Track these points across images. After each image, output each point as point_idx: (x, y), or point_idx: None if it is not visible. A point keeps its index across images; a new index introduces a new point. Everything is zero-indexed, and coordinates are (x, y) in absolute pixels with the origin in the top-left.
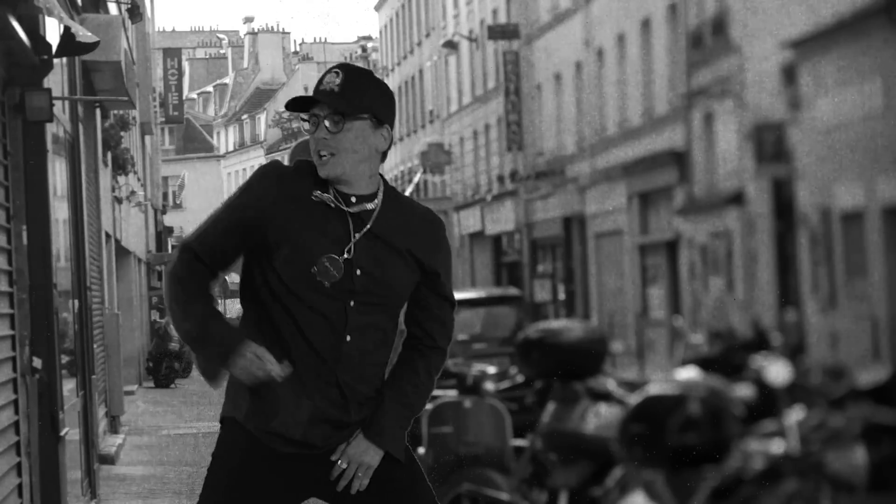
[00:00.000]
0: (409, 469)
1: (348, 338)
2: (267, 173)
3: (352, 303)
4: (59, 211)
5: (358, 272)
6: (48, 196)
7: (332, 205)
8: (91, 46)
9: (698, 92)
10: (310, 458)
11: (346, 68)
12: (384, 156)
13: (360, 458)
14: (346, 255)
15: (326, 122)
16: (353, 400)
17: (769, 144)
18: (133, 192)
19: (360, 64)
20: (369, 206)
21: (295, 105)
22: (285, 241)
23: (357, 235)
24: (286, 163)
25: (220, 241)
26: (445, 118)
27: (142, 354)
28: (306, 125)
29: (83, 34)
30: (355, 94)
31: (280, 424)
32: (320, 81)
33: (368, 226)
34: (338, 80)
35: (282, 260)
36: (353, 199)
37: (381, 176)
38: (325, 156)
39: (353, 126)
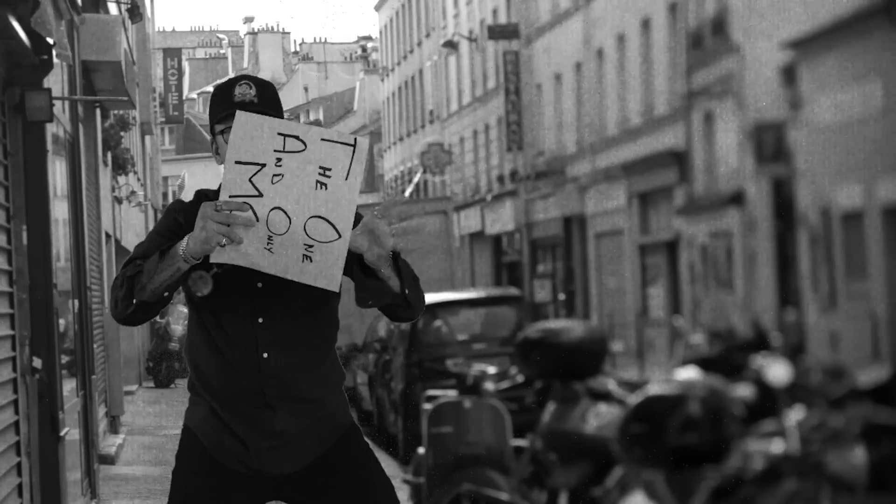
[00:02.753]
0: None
1: (265, 355)
2: (173, 207)
3: (259, 319)
4: (59, 211)
5: (259, 285)
6: (48, 196)
7: None
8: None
9: (698, 92)
10: (263, 479)
11: (255, 80)
12: None
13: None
14: (215, 270)
15: None
16: (289, 413)
17: (769, 144)
18: (133, 192)
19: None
20: None
21: (215, 116)
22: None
23: None
24: None
25: (153, 241)
26: (445, 118)
27: (142, 354)
28: (226, 135)
29: (60, 51)
30: (273, 103)
31: (219, 453)
32: (230, 93)
33: None
34: (252, 92)
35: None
36: None
37: None
38: None
39: None
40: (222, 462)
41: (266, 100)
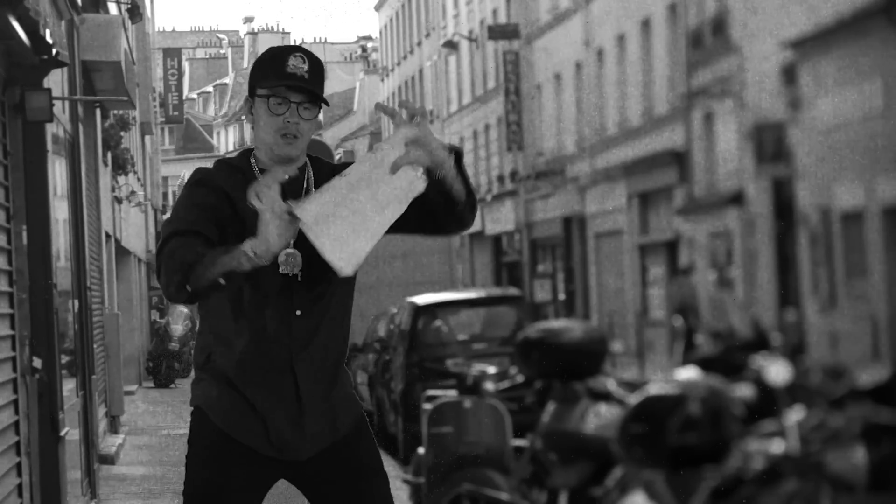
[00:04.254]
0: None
1: (298, 312)
2: (201, 179)
3: (298, 277)
4: (59, 211)
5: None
6: (48, 196)
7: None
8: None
9: (698, 92)
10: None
11: (307, 53)
12: None
13: (428, 139)
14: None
15: (301, 109)
16: (312, 379)
17: (769, 144)
18: (133, 192)
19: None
20: (304, 179)
21: (263, 80)
22: (240, 225)
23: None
24: None
25: (199, 216)
26: (445, 118)
27: (142, 354)
28: (273, 105)
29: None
30: (321, 82)
31: (236, 430)
32: (283, 62)
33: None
34: (305, 67)
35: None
36: (287, 177)
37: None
38: (289, 137)
39: (316, 112)
40: (238, 439)
41: (315, 77)
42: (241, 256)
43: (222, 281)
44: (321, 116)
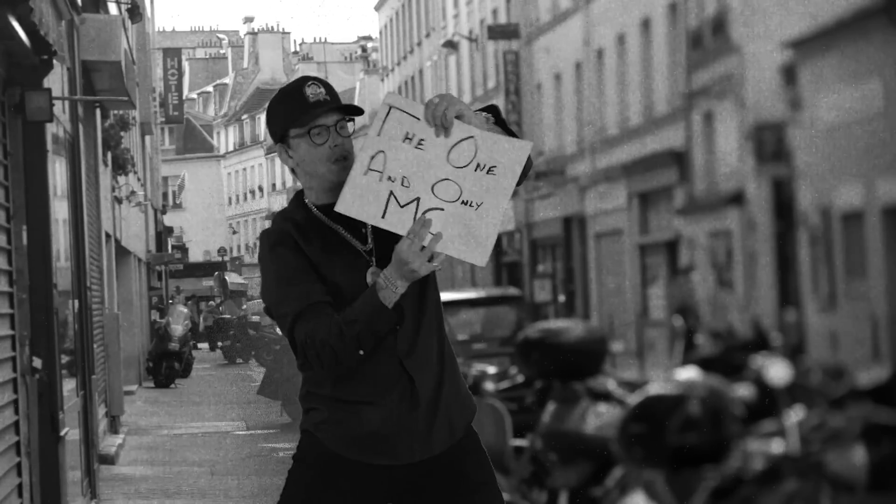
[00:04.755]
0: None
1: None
2: (278, 241)
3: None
4: (59, 211)
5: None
6: (48, 196)
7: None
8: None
9: (698, 92)
10: (392, 467)
11: (321, 81)
12: None
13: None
14: (371, 262)
15: (338, 129)
16: (423, 394)
17: (769, 144)
18: (133, 192)
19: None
20: None
21: (294, 121)
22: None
23: (369, 239)
24: None
25: (305, 282)
26: None
27: (142, 354)
28: (315, 137)
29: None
30: (339, 99)
31: (344, 446)
32: (302, 95)
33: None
34: (323, 91)
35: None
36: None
37: None
38: (341, 160)
39: (351, 128)
40: (347, 456)
41: (335, 96)
42: (385, 293)
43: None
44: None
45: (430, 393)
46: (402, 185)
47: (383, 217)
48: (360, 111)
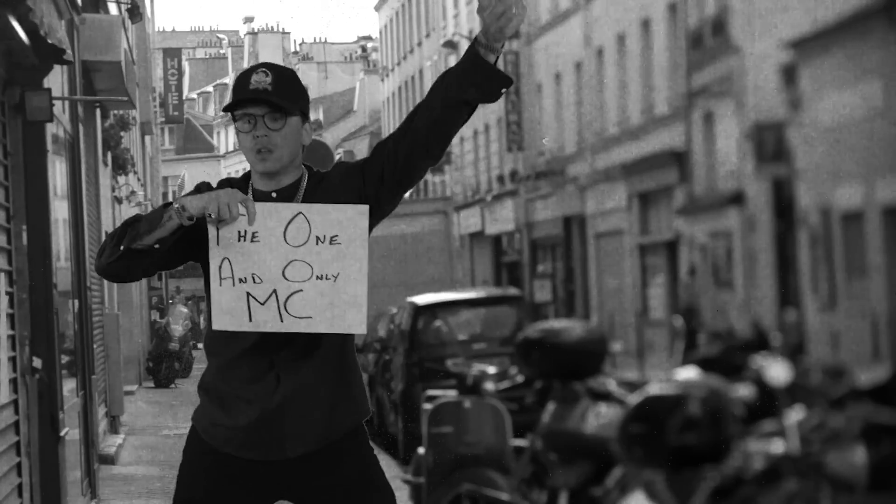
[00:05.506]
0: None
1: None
2: (203, 185)
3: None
4: (59, 211)
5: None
6: (48, 196)
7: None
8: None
9: (698, 92)
10: (270, 463)
11: (272, 67)
12: (304, 149)
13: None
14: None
15: (266, 120)
16: (290, 387)
17: (769, 144)
18: (133, 192)
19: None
20: (297, 194)
21: (231, 106)
22: None
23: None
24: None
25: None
26: None
27: (142, 354)
28: (239, 124)
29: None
30: (288, 92)
31: (215, 438)
32: (247, 81)
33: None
34: (268, 80)
35: None
36: (274, 195)
37: (305, 166)
38: (263, 152)
39: (289, 123)
40: (222, 450)
41: (282, 88)
42: (170, 209)
43: (157, 246)
44: (321, 117)
45: (304, 391)
46: (255, 281)
47: (251, 321)
48: (290, 108)
